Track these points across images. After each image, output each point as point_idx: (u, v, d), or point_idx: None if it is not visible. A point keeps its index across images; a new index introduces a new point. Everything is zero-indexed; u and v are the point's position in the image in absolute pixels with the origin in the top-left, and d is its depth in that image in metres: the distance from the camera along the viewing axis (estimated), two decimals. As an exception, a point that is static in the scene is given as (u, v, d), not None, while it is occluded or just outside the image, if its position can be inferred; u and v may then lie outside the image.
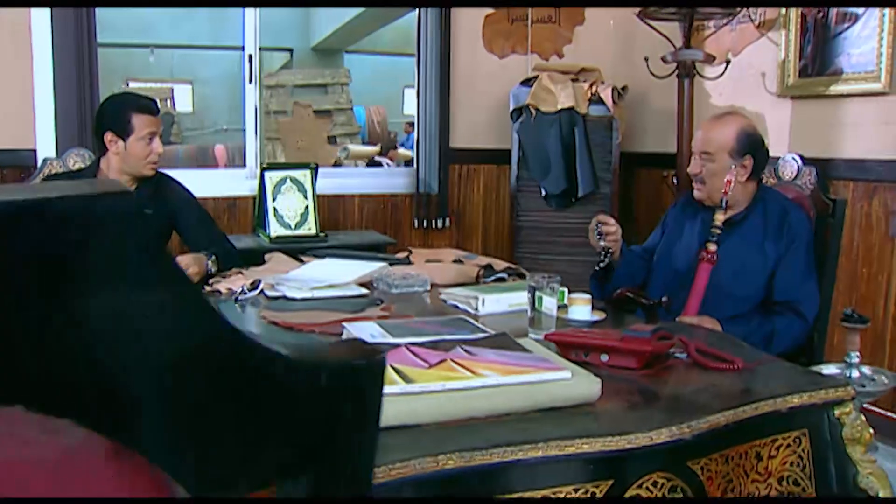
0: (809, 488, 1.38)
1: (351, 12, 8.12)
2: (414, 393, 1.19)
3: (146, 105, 2.46)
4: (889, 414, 2.94)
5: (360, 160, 7.46)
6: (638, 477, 1.18)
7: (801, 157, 2.39)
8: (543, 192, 3.98)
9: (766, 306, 2.12)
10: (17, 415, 0.39)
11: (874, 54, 2.99)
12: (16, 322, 0.37)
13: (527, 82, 4.01)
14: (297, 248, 3.01)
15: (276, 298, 2.13)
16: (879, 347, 3.00)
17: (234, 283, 2.22)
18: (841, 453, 1.40)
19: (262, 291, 2.16)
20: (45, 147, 3.38)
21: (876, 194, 3.04)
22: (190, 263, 2.35)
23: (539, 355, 1.39)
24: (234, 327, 0.44)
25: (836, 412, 1.41)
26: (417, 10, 4.08)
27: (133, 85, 8.65)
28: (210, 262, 2.42)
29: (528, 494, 1.12)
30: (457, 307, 2.04)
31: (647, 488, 1.19)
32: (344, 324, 1.73)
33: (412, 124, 8.89)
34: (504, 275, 2.41)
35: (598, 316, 1.92)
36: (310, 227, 3.65)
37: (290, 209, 3.65)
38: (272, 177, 3.63)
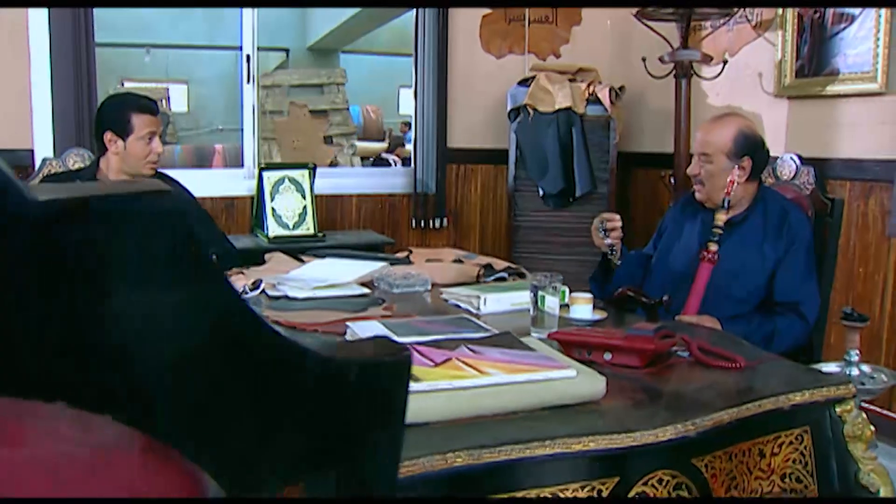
0: (812, 485, 1.39)
1: (347, 12, 8.13)
2: (422, 391, 1.20)
3: (146, 105, 2.46)
4: (885, 412, 2.96)
5: (366, 157, 7.58)
6: (643, 474, 1.20)
7: (800, 157, 2.40)
8: (541, 192, 3.99)
9: (767, 307, 2.13)
10: (56, 411, 0.40)
11: (870, 55, 3.01)
12: (57, 319, 0.38)
13: (524, 82, 4.02)
14: (296, 248, 3.01)
15: (277, 298, 2.13)
16: (876, 346, 3.02)
17: (236, 282, 2.22)
18: (842, 450, 1.42)
19: (263, 291, 2.16)
20: (43, 147, 3.38)
21: (872, 194, 3.06)
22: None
23: (544, 354, 1.40)
24: (271, 325, 0.45)
25: (838, 410, 1.42)
26: (415, 10, 4.08)
27: (128, 85, 8.63)
28: (210, 262, 2.42)
29: (535, 491, 1.13)
30: (458, 306, 2.05)
31: (653, 485, 1.20)
32: (348, 323, 1.74)
33: (408, 124, 8.93)
34: (504, 274, 2.42)
35: (600, 315, 1.93)
36: (308, 227, 3.65)
37: (288, 209, 3.65)
38: (270, 177, 3.64)
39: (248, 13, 3.87)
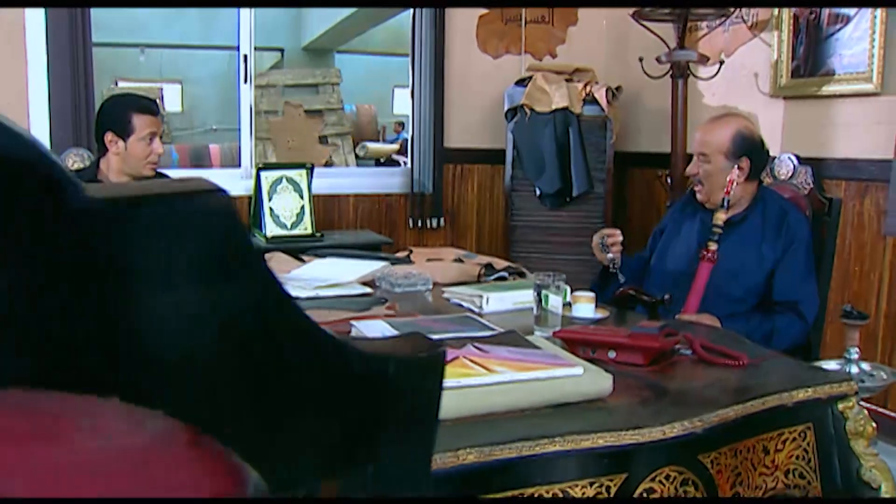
0: (814, 481, 1.41)
1: (342, 12, 8.13)
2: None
3: (147, 105, 2.47)
4: (882, 410, 2.98)
5: (378, 158, 7.68)
6: (651, 470, 1.21)
7: (797, 157, 2.42)
8: (538, 192, 4.01)
9: (766, 306, 2.14)
10: (105, 407, 0.40)
11: (866, 55, 3.03)
12: (118, 315, 0.38)
13: (521, 82, 4.03)
14: (294, 248, 3.01)
15: (279, 298, 2.13)
16: (872, 344, 3.05)
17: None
18: (844, 447, 1.43)
19: (265, 291, 2.17)
20: (41, 147, 3.37)
21: (868, 193, 3.09)
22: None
23: (550, 352, 1.41)
24: (315, 323, 0.46)
25: (840, 406, 1.44)
26: (412, 10, 4.09)
27: (122, 85, 8.61)
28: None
29: (544, 488, 1.14)
30: (460, 305, 2.06)
31: (660, 482, 1.21)
32: (353, 322, 1.74)
33: (401, 123, 8.94)
34: (505, 273, 2.43)
35: (602, 314, 1.95)
36: (306, 227, 3.66)
37: (286, 209, 3.66)
38: (268, 177, 3.64)
39: (246, 13, 3.87)
